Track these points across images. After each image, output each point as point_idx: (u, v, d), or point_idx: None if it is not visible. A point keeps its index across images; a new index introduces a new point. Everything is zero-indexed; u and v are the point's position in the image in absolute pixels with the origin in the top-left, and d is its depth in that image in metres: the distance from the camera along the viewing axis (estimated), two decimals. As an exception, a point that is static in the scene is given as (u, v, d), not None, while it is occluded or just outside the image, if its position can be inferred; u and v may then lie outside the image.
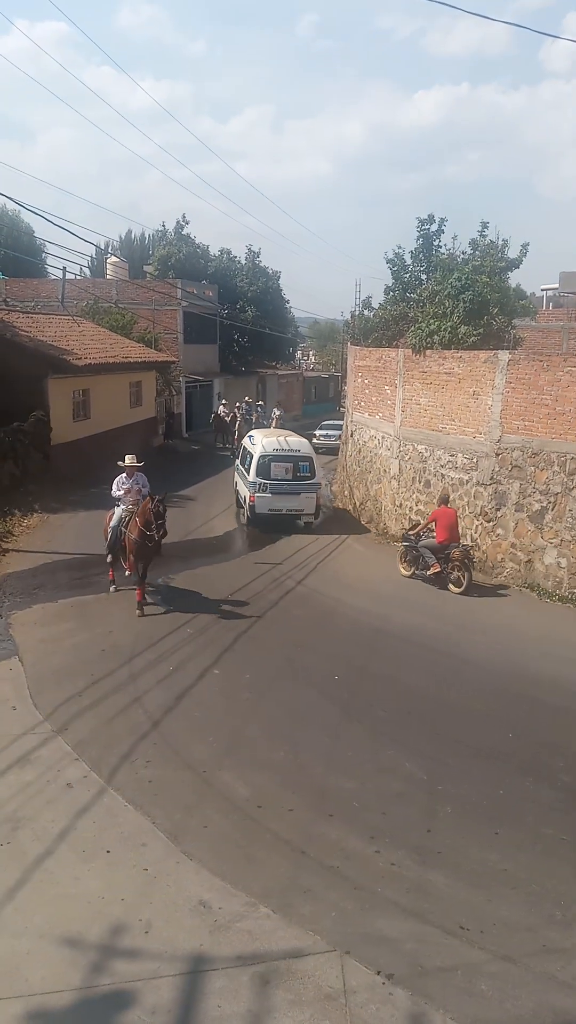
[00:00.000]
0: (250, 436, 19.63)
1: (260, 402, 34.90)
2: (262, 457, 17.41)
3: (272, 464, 17.32)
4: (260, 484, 17.19)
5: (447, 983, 4.99)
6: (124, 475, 12.59)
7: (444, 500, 14.04)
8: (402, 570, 14.38)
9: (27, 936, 5.24)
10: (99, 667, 9.65)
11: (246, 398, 35.34)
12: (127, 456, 12.69)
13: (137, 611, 11.55)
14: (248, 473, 17.57)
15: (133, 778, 7.23)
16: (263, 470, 17.24)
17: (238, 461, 19.70)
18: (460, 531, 14.03)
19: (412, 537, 14.13)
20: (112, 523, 12.33)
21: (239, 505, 18.44)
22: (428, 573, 13.68)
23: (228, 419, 32.44)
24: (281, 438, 18.51)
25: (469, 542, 14.60)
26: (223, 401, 34.21)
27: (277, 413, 31.29)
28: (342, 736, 8.21)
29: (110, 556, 12.52)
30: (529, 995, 4.92)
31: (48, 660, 9.87)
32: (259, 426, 29.39)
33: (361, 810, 6.91)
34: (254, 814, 6.76)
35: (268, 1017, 4.67)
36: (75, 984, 4.85)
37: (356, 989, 4.90)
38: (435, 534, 13.67)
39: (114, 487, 12.57)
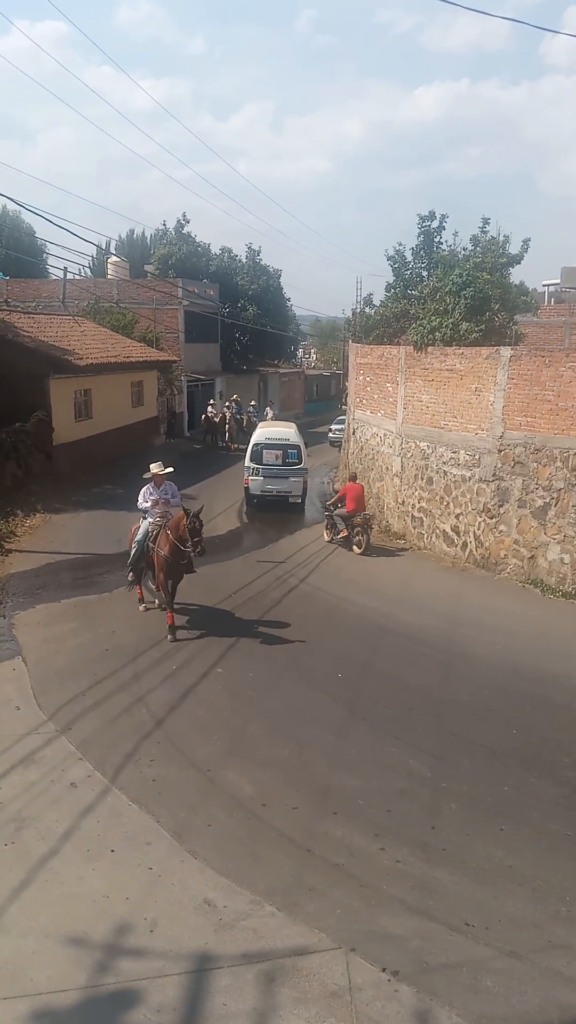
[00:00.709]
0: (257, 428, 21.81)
1: (253, 402, 34.30)
2: (255, 445, 19.32)
3: (264, 451, 19.16)
4: (253, 468, 19.20)
5: (453, 980, 4.98)
6: (151, 484, 11.58)
7: (353, 478, 16.96)
8: (324, 536, 16.78)
9: (32, 936, 5.24)
10: (102, 667, 9.65)
11: (235, 397, 34.63)
12: (153, 464, 11.69)
13: (168, 636, 10.53)
14: (245, 459, 19.70)
15: (137, 777, 7.23)
16: (256, 456, 19.17)
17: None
18: (458, 526, 14.93)
19: (330, 508, 16.73)
20: (137, 537, 11.37)
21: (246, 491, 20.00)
22: (339, 536, 16.30)
23: (217, 419, 32.00)
24: (272, 428, 20.76)
25: (472, 539, 14.63)
26: (212, 401, 33.58)
27: (271, 413, 31.18)
28: (346, 734, 8.20)
29: (132, 573, 11.71)
30: (535, 991, 4.91)
31: (51, 660, 9.88)
32: (252, 426, 29.01)
33: (366, 807, 6.91)
34: (258, 812, 6.76)
35: (273, 1015, 4.67)
36: (80, 983, 4.86)
37: (362, 986, 4.90)
38: (346, 506, 16.01)
39: (140, 498, 11.57)
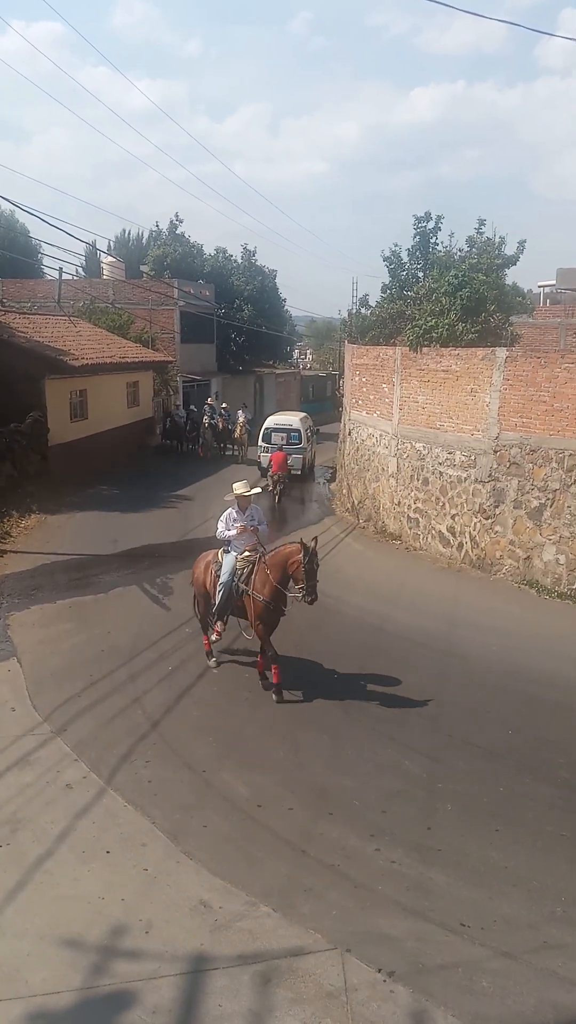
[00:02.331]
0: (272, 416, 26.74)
1: (224, 404, 31.26)
2: (265, 429, 24.32)
3: (272, 433, 23.96)
4: (263, 447, 23.68)
5: (448, 980, 4.99)
6: (234, 508, 9.63)
7: (279, 448, 22.24)
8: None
9: (27, 937, 5.23)
10: (98, 668, 9.64)
11: (208, 400, 32.23)
12: (237, 484, 9.74)
13: (274, 696, 8.90)
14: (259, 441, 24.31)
15: (133, 778, 7.22)
16: (266, 437, 23.96)
17: None
18: (453, 527, 15.02)
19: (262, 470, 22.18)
20: (223, 577, 9.31)
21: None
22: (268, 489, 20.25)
23: (185, 423, 29.10)
24: (280, 417, 25.75)
25: (467, 540, 14.68)
26: (177, 403, 31.32)
27: (243, 416, 28.80)
28: (341, 735, 8.20)
29: (217, 620, 9.52)
30: (530, 992, 4.92)
31: (47, 661, 9.86)
32: (226, 433, 28.47)
33: (361, 808, 6.91)
34: (254, 814, 6.76)
35: (269, 1016, 4.67)
36: (76, 985, 4.85)
37: (357, 987, 4.90)
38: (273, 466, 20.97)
39: (221, 525, 9.58)
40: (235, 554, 9.42)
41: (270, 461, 21.33)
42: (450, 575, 14.53)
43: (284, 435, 23.76)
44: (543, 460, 13.39)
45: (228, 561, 9.37)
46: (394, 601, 12.85)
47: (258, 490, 10.11)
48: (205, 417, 28.93)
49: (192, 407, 31.02)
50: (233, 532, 9.45)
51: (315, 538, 9.02)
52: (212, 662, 9.82)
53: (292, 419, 24.91)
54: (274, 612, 9.06)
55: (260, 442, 23.97)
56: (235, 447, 28.76)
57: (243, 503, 9.64)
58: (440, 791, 7.23)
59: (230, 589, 9.29)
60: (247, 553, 9.40)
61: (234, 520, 9.53)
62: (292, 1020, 4.64)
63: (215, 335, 37.94)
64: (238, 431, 28.58)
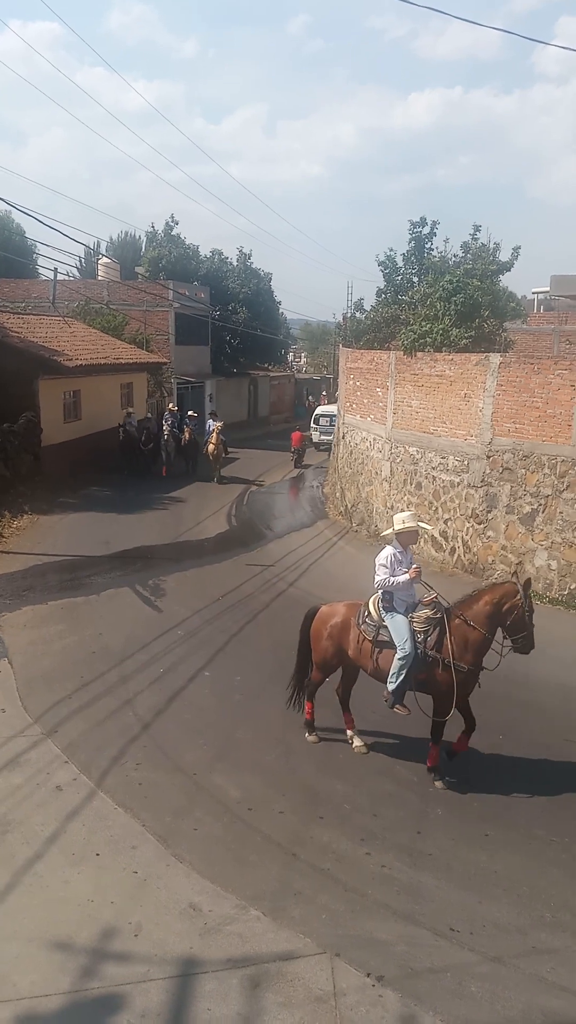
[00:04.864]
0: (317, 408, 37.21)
1: (192, 411, 26.98)
2: (316, 415, 35.49)
3: (320, 418, 34.55)
4: (314, 428, 34.48)
5: (437, 985, 4.99)
6: (395, 548, 7.59)
7: (297, 428, 30.31)
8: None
9: (16, 940, 5.21)
10: (89, 669, 9.61)
11: (171, 406, 28.17)
12: (401, 516, 7.76)
13: (437, 782, 7.35)
14: (310, 423, 34.96)
15: (123, 781, 7.20)
16: (316, 420, 34.90)
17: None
18: (446, 531, 15.02)
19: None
20: (403, 646, 7.15)
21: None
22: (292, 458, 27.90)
23: (140, 434, 24.00)
24: (324, 407, 35.86)
25: (460, 544, 14.71)
26: (129, 410, 25.18)
27: (215, 424, 24.31)
28: (333, 738, 8.19)
29: (396, 702, 7.42)
30: (519, 996, 4.93)
31: (37, 662, 9.83)
32: (195, 446, 24.44)
33: (352, 812, 6.91)
34: (245, 816, 6.75)
35: (258, 1020, 4.66)
36: (64, 988, 4.83)
37: (346, 991, 4.90)
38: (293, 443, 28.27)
39: (381, 572, 7.41)
40: (406, 606, 7.42)
41: (291, 438, 29.07)
42: (442, 579, 14.52)
43: (328, 419, 31.67)
44: (536, 466, 13.44)
45: (402, 624, 7.25)
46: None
47: (427, 526, 8.18)
48: (166, 427, 24.92)
49: (149, 415, 26.09)
50: (404, 577, 7.36)
51: (528, 579, 8.01)
52: (313, 737, 8.07)
53: (331, 408, 31.16)
54: (473, 680, 7.36)
55: (312, 424, 34.70)
56: (214, 466, 23.86)
57: (407, 539, 7.65)
58: (431, 795, 7.23)
59: (417, 657, 7.19)
60: (425, 610, 7.38)
61: (400, 564, 7.48)
62: (281, 1024, 4.63)
63: (210, 337, 37.93)
64: (211, 445, 23.68)
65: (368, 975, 5.02)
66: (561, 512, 13.05)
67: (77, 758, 7.54)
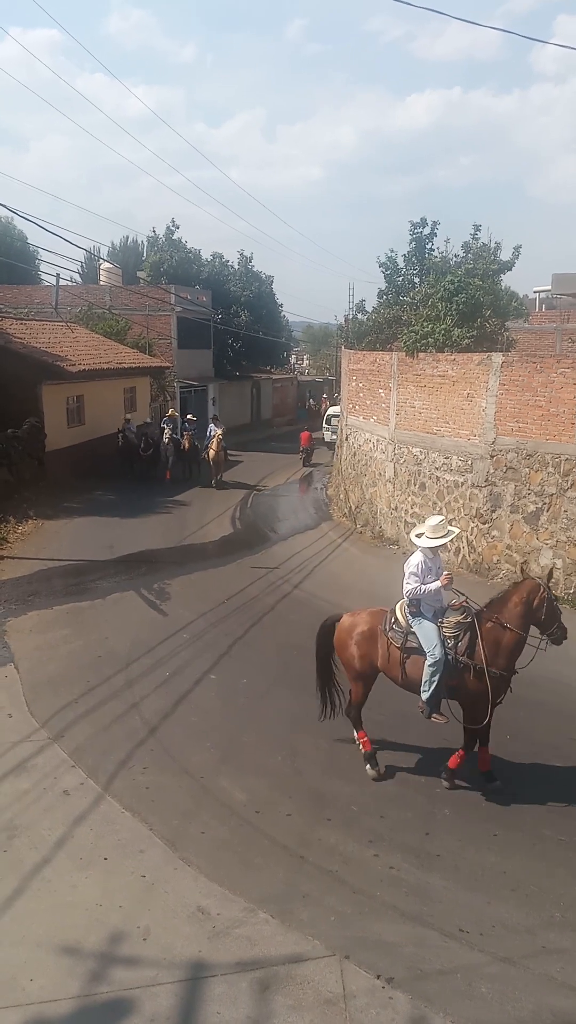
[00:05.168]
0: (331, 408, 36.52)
1: (191, 416, 26.56)
2: (328, 415, 35.88)
3: (332, 418, 33.80)
4: (325, 427, 35.15)
5: (447, 986, 4.98)
6: (425, 556, 7.35)
7: (305, 428, 31.82)
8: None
9: (24, 945, 5.21)
10: (95, 674, 9.62)
11: (170, 411, 27.59)
12: (431, 522, 7.52)
13: (445, 783, 7.31)
14: (321, 424, 36.56)
15: (130, 785, 7.20)
16: (328, 420, 35.08)
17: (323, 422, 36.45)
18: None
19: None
20: (433, 651, 6.95)
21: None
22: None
23: (139, 440, 23.64)
24: (335, 407, 33.94)
25: (464, 544, 14.71)
26: (127, 416, 24.98)
27: (217, 431, 23.65)
28: (339, 740, 8.18)
29: (433, 711, 7.23)
30: (528, 997, 4.91)
31: (44, 667, 9.84)
32: (195, 451, 24.08)
33: (359, 814, 6.90)
34: (252, 819, 6.74)
35: (268, 1023, 4.65)
36: (73, 993, 4.83)
37: (356, 993, 4.89)
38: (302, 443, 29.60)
39: (411, 580, 7.15)
40: (434, 613, 7.22)
41: (300, 438, 30.44)
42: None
43: (338, 419, 30.44)
44: (539, 465, 13.41)
45: (431, 630, 7.03)
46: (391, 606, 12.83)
47: (456, 530, 8.00)
48: (167, 432, 24.60)
49: (149, 420, 26.01)
50: (436, 585, 7.16)
51: (551, 570, 7.83)
52: (374, 771, 7.48)
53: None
54: (505, 686, 7.12)
55: (324, 424, 35.85)
56: (214, 472, 23.41)
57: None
58: (438, 796, 7.22)
59: (447, 664, 6.98)
60: (455, 616, 7.17)
61: (430, 571, 7.26)
62: (291, 1027, 4.62)
63: (212, 341, 37.99)
64: (212, 450, 23.27)
65: (378, 977, 5.01)
66: (566, 511, 13.03)
67: (84, 762, 7.55)
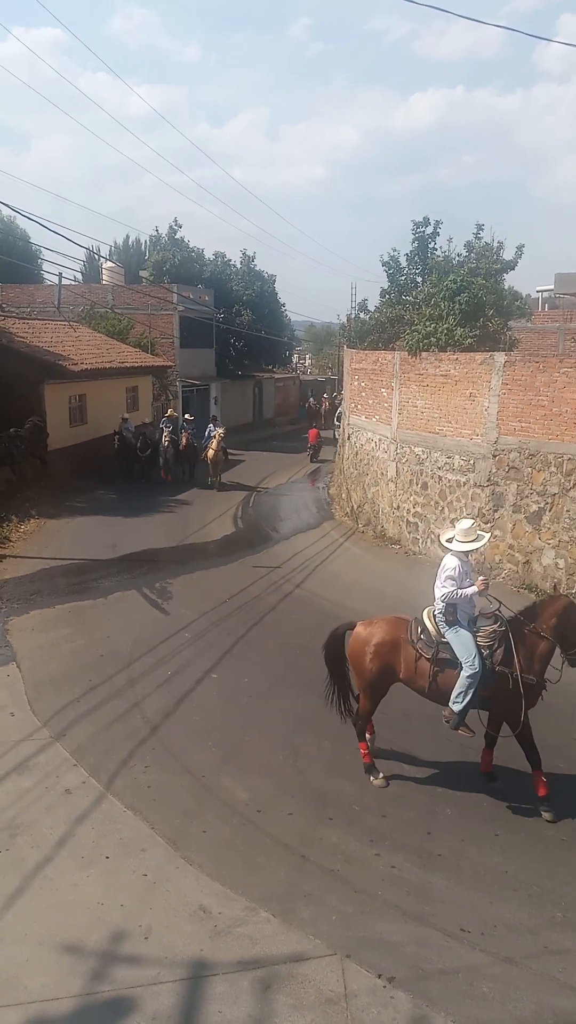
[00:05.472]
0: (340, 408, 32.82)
1: (188, 415, 26.10)
2: (338, 413, 31.32)
3: (342, 416, 28.86)
4: (336, 424, 31.12)
5: (448, 986, 4.98)
6: (460, 560, 7.15)
7: (314, 426, 33.39)
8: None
9: (26, 943, 5.22)
10: (97, 673, 9.63)
11: (169, 411, 26.74)
12: (463, 526, 7.32)
13: (546, 814, 6.90)
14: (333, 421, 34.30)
15: (132, 784, 7.21)
16: (339, 418, 30.00)
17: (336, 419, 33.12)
18: None
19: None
20: (470, 661, 6.76)
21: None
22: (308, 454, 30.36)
23: (136, 440, 23.24)
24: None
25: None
26: (124, 415, 24.33)
27: (218, 431, 23.34)
28: (341, 739, 8.18)
29: (462, 724, 7.05)
30: (530, 997, 4.91)
31: (46, 666, 9.85)
32: (193, 451, 23.85)
33: (361, 813, 6.90)
34: (254, 819, 6.74)
35: (269, 1022, 4.65)
36: (75, 991, 4.83)
37: (357, 993, 4.88)
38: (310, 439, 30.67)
39: (448, 584, 6.99)
40: (472, 618, 7.05)
41: (308, 436, 31.69)
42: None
43: None
44: (542, 464, 13.40)
45: (468, 639, 6.83)
46: (393, 605, 12.79)
47: (489, 535, 7.76)
48: (165, 433, 23.94)
49: (147, 420, 25.39)
50: (473, 589, 6.97)
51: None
52: (379, 780, 7.36)
53: None
54: (537, 694, 7.03)
55: (335, 421, 32.67)
56: (212, 473, 23.22)
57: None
58: (440, 795, 7.21)
59: (486, 672, 6.80)
60: (489, 623, 7.01)
61: (466, 577, 7.08)
62: (292, 1026, 4.62)
63: (214, 340, 37.99)
64: (211, 451, 22.95)
65: (379, 976, 5.01)
66: (568, 510, 13.01)
67: (86, 761, 7.55)
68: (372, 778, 7.41)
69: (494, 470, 14.22)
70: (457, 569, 7.03)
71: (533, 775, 7.03)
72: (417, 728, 8.49)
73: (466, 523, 7.35)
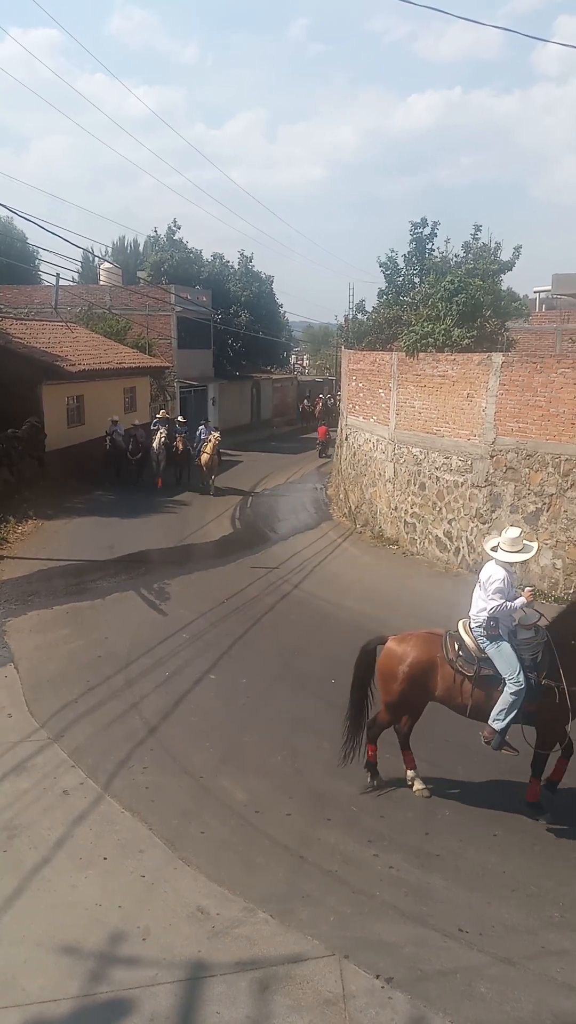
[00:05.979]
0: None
1: (180, 417, 25.15)
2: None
3: None
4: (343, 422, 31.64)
5: (446, 986, 4.97)
6: (507, 571, 6.77)
7: (323, 423, 34.68)
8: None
9: (24, 945, 5.21)
10: (95, 673, 9.62)
11: (161, 412, 25.59)
12: (510, 532, 7.01)
13: (540, 819, 6.89)
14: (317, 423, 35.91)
15: (130, 785, 7.20)
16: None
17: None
18: (450, 531, 14.79)
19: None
20: (515, 677, 6.45)
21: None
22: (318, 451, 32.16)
23: (127, 443, 22.46)
24: None
25: (464, 544, 14.72)
26: (114, 418, 23.13)
27: (213, 434, 22.34)
28: (339, 740, 8.17)
29: (504, 743, 6.75)
30: (528, 997, 4.91)
31: (44, 667, 9.84)
32: (187, 455, 22.77)
33: (359, 814, 6.90)
34: (252, 819, 6.74)
35: (267, 1023, 4.65)
36: (73, 993, 4.83)
37: (355, 994, 4.88)
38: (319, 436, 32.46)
39: (497, 597, 6.66)
40: (512, 629, 6.73)
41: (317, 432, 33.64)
42: (447, 579, 14.53)
43: None
44: (539, 465, 13.41)
45: (511, 655, 6.51)
46: (391, 606, 12.84)
47: (535, 546, 7.22)
48: (159, 434, 22.72)
49: (137, 423, 23.80)
50: (521, 601, 6.66)
51: None
52: (376, 783, 7.29)
53: None
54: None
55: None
56: (205, 476, 22.43)
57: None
58: (438, 796, 7.21)
59: (535, 688, 6.47)
60: (529, 634, 6.69)
61: (512, 588, 6.74)
62: (290, 1027, 4.62)
63: (212, 341, 37.98)
64: (205, 455, 22.09)
65: (377, 977, 5.01)
66: (566, 511, 13.02)
67: (84, 762, 7.54)
68: (369, 778, 7.34)
69: (492, 470, 14.23)
70: (505, 580, 6.66)
71: (530, 781, 6.98)
72: (417, 728, 8.48)
73: (514, 532, 6.99)
